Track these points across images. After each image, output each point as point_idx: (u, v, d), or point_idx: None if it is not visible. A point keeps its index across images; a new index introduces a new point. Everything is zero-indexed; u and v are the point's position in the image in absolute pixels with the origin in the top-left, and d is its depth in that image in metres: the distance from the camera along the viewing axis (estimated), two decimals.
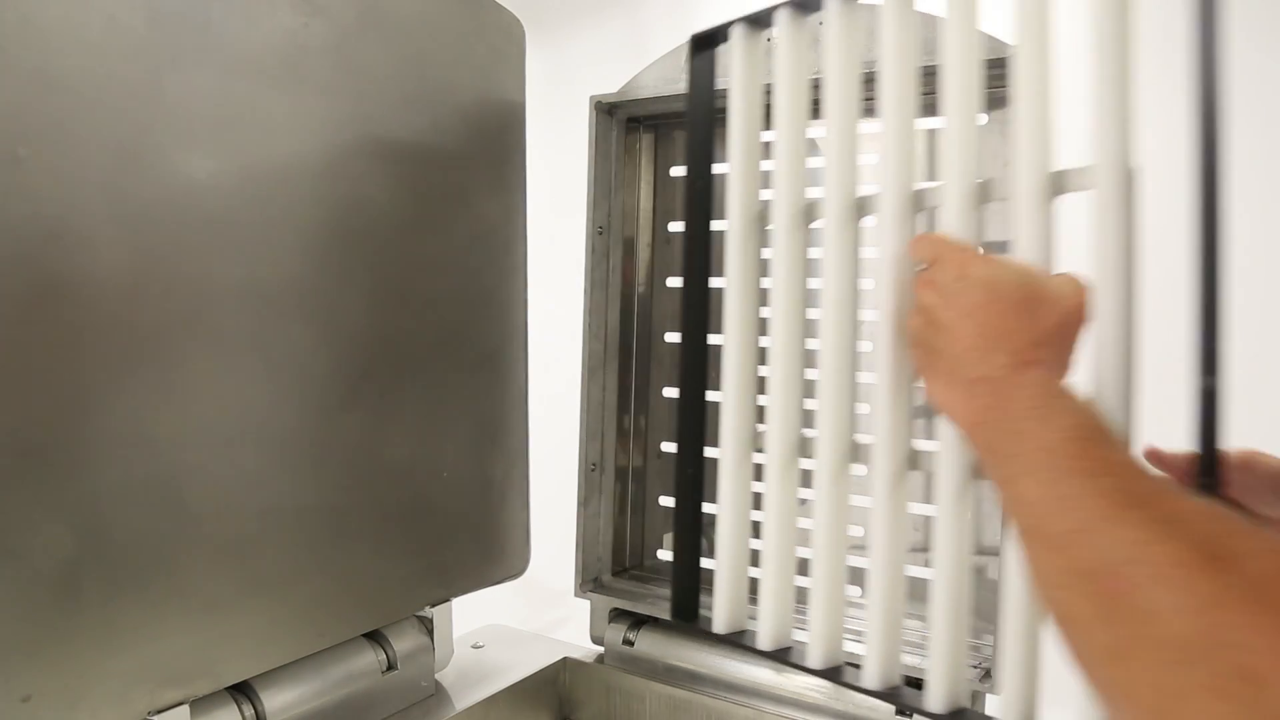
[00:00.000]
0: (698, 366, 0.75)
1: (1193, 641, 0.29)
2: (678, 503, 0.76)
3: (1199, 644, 0.29)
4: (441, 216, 0.86)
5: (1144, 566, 0.31)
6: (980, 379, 0.40)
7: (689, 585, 0.76)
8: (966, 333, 0.41)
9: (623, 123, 0.99)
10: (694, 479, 0.76)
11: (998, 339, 0.40)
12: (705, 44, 0.75)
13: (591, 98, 0.97)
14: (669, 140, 1.02)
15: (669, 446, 1.01)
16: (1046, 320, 0.40)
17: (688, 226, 0.76)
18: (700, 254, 0.75)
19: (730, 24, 0.72)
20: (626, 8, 2.20)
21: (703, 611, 0.76)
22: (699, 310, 0.76)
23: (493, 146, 0.91)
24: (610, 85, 0.97)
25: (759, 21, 0.71)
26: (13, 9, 0.55)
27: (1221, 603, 0.29)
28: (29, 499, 0.57)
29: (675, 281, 1.01)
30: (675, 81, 0.92)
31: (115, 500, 0.62)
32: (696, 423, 0.76)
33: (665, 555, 1.03)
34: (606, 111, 0.98)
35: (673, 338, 1.01)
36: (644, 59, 0.95)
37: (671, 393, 1.01)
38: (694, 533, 0.76)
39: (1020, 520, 0.37)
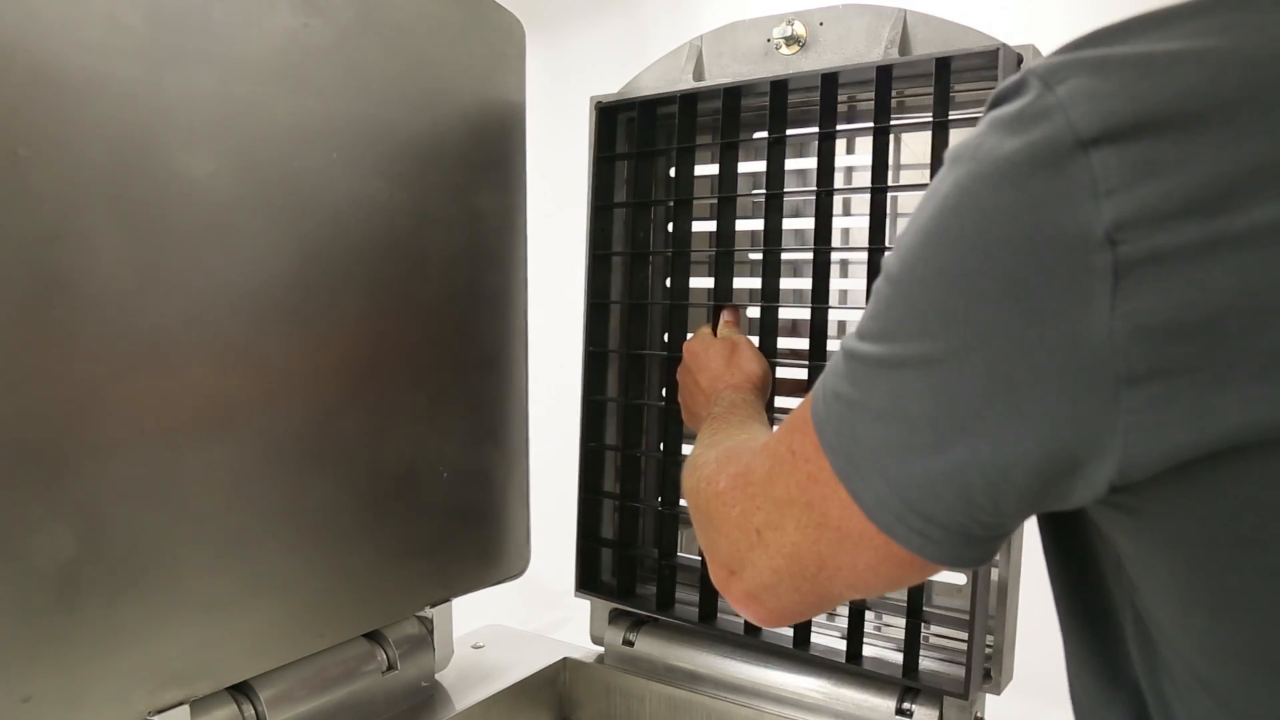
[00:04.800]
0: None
1: (700, 500, 0.53)
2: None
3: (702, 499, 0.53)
4: (442, 217, 0.86)
5: (697, 469, 0.56)
6: (703, 394, 0.78)
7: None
8: (700, 376, 0.81)
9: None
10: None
11: (712, 379, 0.79)
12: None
13: (592, 98, 0.97)
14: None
15: None
16: (737, 375, 0.78)
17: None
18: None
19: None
20: (626, 8, 2.20)
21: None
22: (599, 322, 0.98)
23: (493, 146, 0.91)
24: (610, 85, 0.97)
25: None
26: (13, 9, 0.55)
27: (713, 478, 0.52)
28: (29, 499, 0.57)
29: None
30: (675, 82, 0.92)
31: (115, 500, 0.62)
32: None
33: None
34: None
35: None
36: (644, 59, 0.95)
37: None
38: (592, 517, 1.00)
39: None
